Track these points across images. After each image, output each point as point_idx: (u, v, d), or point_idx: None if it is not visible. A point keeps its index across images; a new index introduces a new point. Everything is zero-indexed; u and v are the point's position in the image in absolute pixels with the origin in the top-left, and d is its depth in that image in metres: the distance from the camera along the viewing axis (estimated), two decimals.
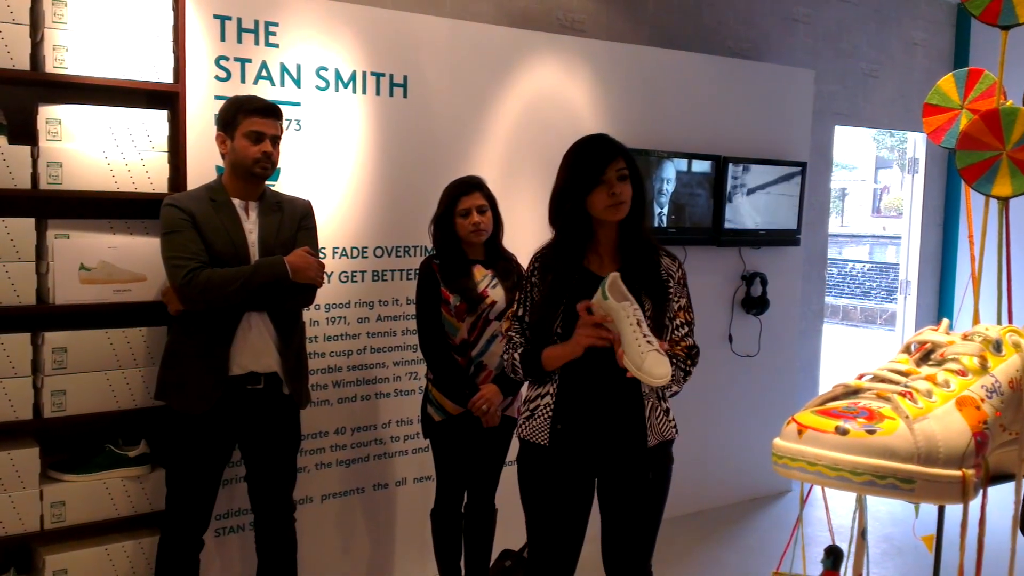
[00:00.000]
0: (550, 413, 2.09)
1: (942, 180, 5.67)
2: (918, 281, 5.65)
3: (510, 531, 2.97)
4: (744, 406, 4.36)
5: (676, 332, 2.10)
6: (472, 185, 2.75)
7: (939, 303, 5.72)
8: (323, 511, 3.12)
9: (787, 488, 4.58)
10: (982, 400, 1.15)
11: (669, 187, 3.90)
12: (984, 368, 1.19)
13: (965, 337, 1.25)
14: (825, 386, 5.14)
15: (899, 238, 6.16)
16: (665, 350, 1.92)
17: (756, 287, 4.28)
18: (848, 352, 10.40)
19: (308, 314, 2.97)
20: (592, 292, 1.99)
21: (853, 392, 1.18)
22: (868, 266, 15.82)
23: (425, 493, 3.21)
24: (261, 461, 2.57)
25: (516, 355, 2.13)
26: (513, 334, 2.15)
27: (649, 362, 1.85)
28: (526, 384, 2.22)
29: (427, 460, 3.02)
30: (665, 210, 3.90)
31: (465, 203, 2.72)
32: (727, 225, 4.09)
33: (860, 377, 1.23)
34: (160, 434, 2.64)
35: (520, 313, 2.15)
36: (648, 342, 1.87)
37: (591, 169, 2.05)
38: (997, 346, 1.22)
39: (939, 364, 1.21)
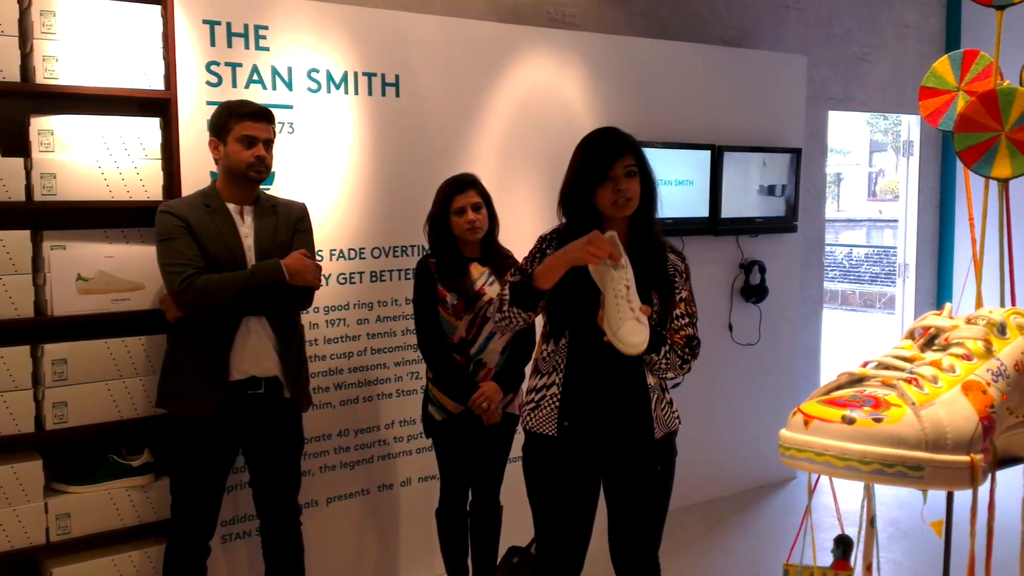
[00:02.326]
0: (557, 403, 2.08)
1: (937, 162, 5.66)
2: (916, 264, 5.65)
3: (516, 528, 2.96)
4: (747, 395, 4.36)
5: (675, 322, 2.10)
6: (466, 183, 2.75)
7: (938, 285, 5.72)
8: (329, 514, 3.12)
9: (792, 475, 4.58)
10: (988, 384, 1.14)
11: (665, 178, 3.88)
12: (989, 352, 1.18)
13: (969, 321, 1.24)
14: (827, 372, 5.15)
15: (896, 221, 6.16)
16: (649, 316, 1.90)
17: (755, 275, 4.28)
18: (849, 337, 10.41)
19: (307, 317, 2.96)
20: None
21: (858, 380, 1.17)
22: (866, 250, 15.83)
23: (430, 493, 3.20)
24: (265, 466, 2.56)
25: (506, 288, 2.07)
26: (510, 279, 2.10)
27: (625, 329, 1.81)
28: (528, 377, 2.21)
29: (431, 460, 3.02)
30: (661, 201, 3.89)
31: (460, 201, 2.71)
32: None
33: (864, 365, 1.23)
34: (163, 442, 2.63)
35: (523, 266, 2.12)
36: (630, 309, 1.83)
37: (598, 165, 2.03)
38: (1001, 329, 1.22)
39: (944, 349, 1.20)
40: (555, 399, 2.08)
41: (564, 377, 2.08)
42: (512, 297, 2.05)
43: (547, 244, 2.13)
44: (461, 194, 2.72)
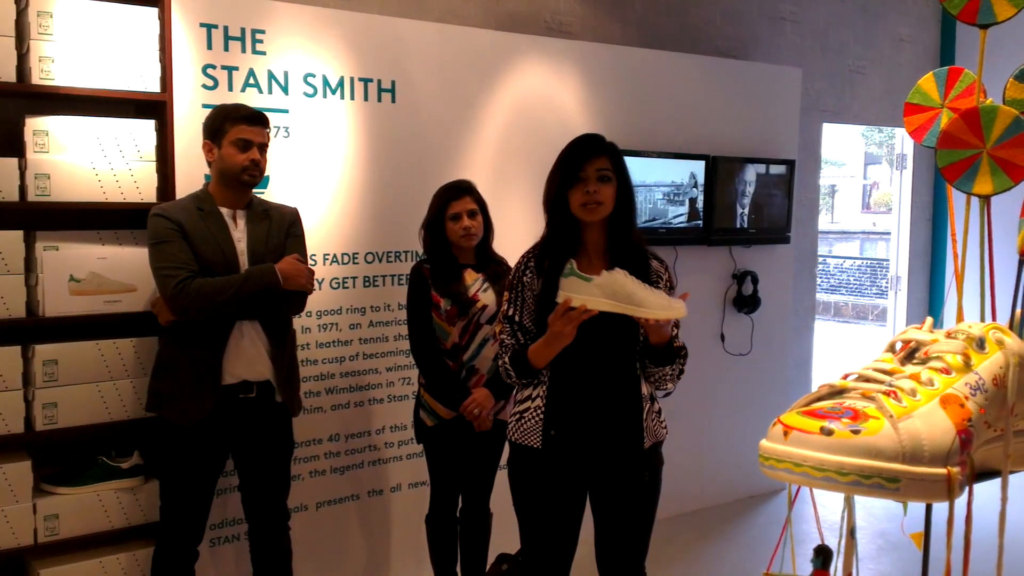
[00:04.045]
0: (541, 416, 2.08)
1: (930, 176, 5.70)
2: (908, 276, 5.67)
3: (506, 535, 2.97)
4: (737, 405, 4.38)
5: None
6: (462, 189, 2.76)
7: (929, 298, 5.75)
8: (318, 519, 3.12)
9: (782, 486, 4.59)
10: (966, 398, 1.16)
11: (659, 187, 3.91)
12: (968, 366, 1.20)
13: (949, 335, 1.26)
14: (818, 383, 5.15)
15: (889, 234, 6.20)
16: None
17: (747, 286, 4.30)
18: (841, 348, 10.43)
19: (300, 321, 2.97)
20: None
21: (838, 392, 1.19)
22: (859, 262, 15.88)
23: (420, 499, 3.21)
24: (254, 470, 2.56)
25: (507, 359, 2.10)
26: (505, 337, 2.12)
27: (676, 302, 1.90)
28: (516, 388, 2.21)
29: (422, 465, 3.02)
30: (656, 210, 3.91)
31: (455, 207, 2.72)
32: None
33: (845, 377, 1.24)
34: (153, 445, 2.63)
35: (511, 313, 2.12)
36: (650, 292, 1.90)
37: (570, 166, 2.04)
38: (980, 344, 1.23)
39: (923, 362, 1.22)
40: (539, 411, 2.08)
41: (548, 389, 2.09)
42: (518, 375, 2.09)
43: (524, 269, 2.12)
44: (457, 200, 2.73)
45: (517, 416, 2.14)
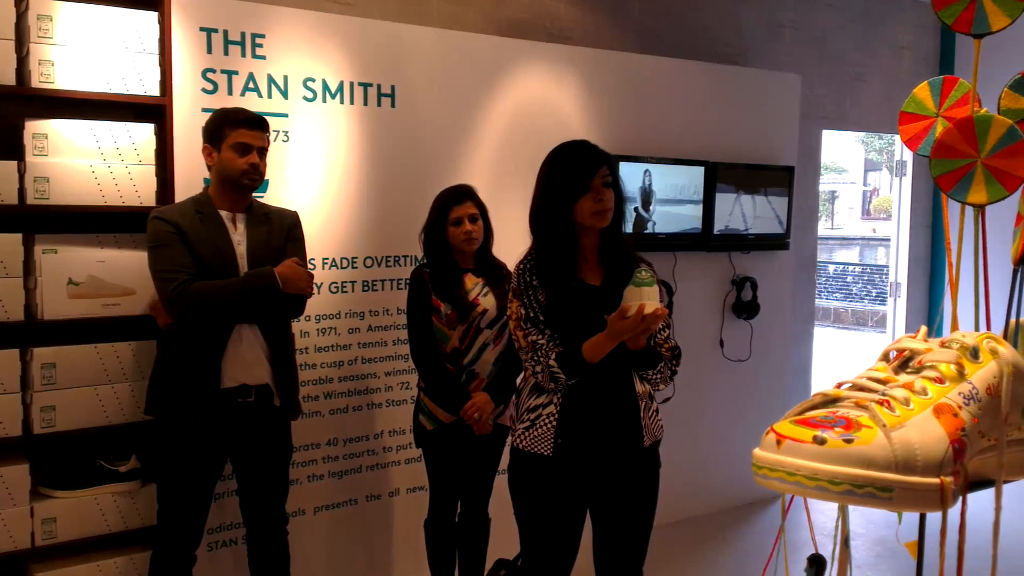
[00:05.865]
0: (553, 424, 2.06)
1: (929, 182, 5.70)
2: (907, 283, 5.68)
3: (504, 540, 2.97)
4: (736, 411, 4.37)
5: (659, 335, 2.12)
6: (464, 194, 2.77)
7: (929, 305, 5.75)
8: (316, 523, 3.12)
9: (779, 494, 4.57)
10: (960, 407, 1.16)
11: (658, 193, 3.91)
12: (961, 375, 1.20)
13: (942, 344, 1.26)
14: (817, 389, 5.16)
15: (888, 240, 6.21)
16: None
17: (746, 291, 4.30)
18: (840, 355, 10.43)
19: (298, 325, 2.97)
20: (589, 302, 1.99)
21: (832, 401, 1.19)
22: (858, 268, 15.87)
23: (418, 503, 3.21)
24: (253, 474, 2.56)
25: (551, 360, 2.01)
26: (536, 339, 2.04)
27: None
28: (525, 396, 2.17)
29: (420, 470, 3.02)
30: (654, 216, 3.92)
31: (457, 212, 2.73)
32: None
33: (839, 385, 1.24)
34: (151, 449, 2.63)
35: (531, 315, 2.06)
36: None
37: (579, 176, 2.05)
38: (974, 353, 1.23)
39: (917, 372, 1.22)
40: (552, 418, 2.07)
41: (563, 397, 2.07)
42: (568, 374, 2.02)
43: (528, 274, 2.10)
44: (459, 205, 2.73)
45: (527, 424, 2.11)
